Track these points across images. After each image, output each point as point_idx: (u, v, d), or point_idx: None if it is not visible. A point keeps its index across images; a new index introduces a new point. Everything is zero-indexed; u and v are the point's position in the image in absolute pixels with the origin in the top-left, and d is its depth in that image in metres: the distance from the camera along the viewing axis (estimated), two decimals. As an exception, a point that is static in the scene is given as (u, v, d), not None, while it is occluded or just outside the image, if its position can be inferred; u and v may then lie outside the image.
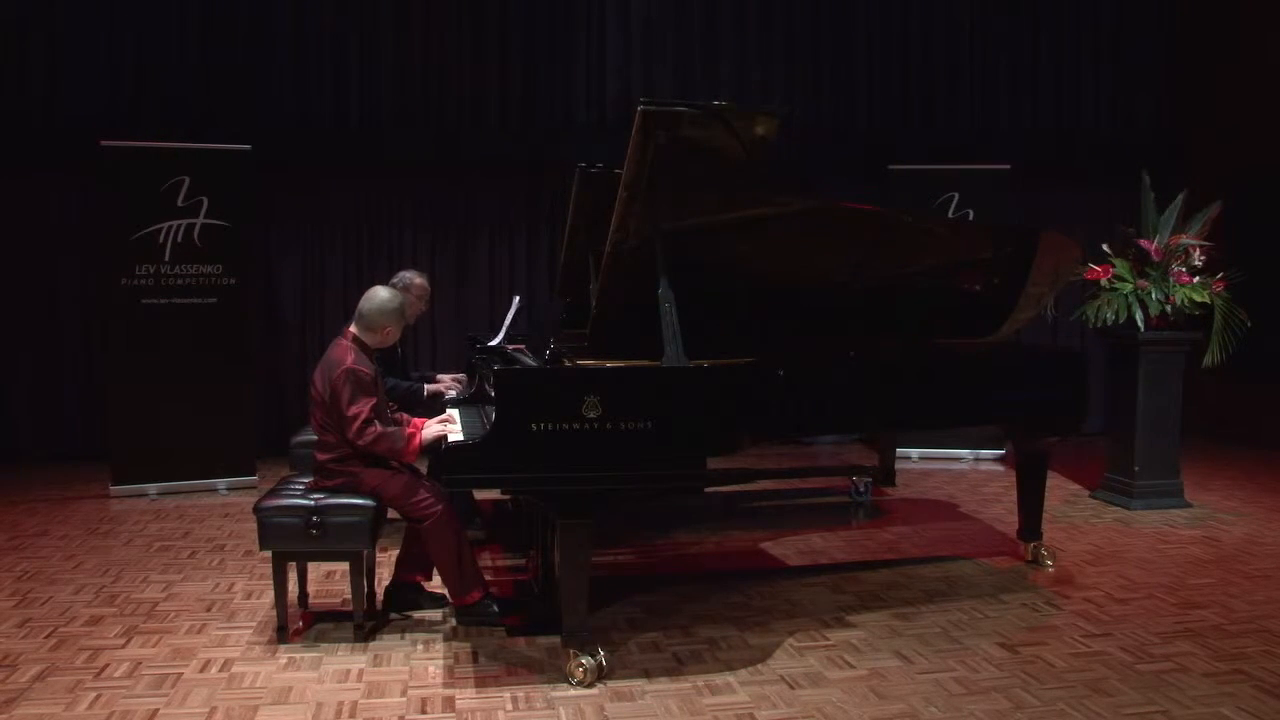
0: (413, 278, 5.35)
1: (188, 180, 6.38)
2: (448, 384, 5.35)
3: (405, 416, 4.31)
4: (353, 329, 4.08)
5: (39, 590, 4.57)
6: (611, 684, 3.56)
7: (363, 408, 3.86)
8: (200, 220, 6.44)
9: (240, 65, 7.55)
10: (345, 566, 4.25)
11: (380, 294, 4.11)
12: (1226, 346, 5.96)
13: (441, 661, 3.77)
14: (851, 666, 3.73)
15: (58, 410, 7.48)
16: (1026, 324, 5.15)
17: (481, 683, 3.58)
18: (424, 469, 4.47)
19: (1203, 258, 5.93)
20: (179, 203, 6.39)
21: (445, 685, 3.56)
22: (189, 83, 7.48)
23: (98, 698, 3.45)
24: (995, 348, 4.94)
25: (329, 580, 4.68)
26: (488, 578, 4.21)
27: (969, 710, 3.38)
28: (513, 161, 7.90)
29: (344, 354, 3.96)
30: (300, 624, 4.13)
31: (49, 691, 3.50)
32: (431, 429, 3.99)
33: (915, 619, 4.22)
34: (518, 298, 5.72)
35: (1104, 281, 5.99)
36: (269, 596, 4.21)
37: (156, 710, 3.36)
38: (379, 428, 3.90)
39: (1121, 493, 6.14)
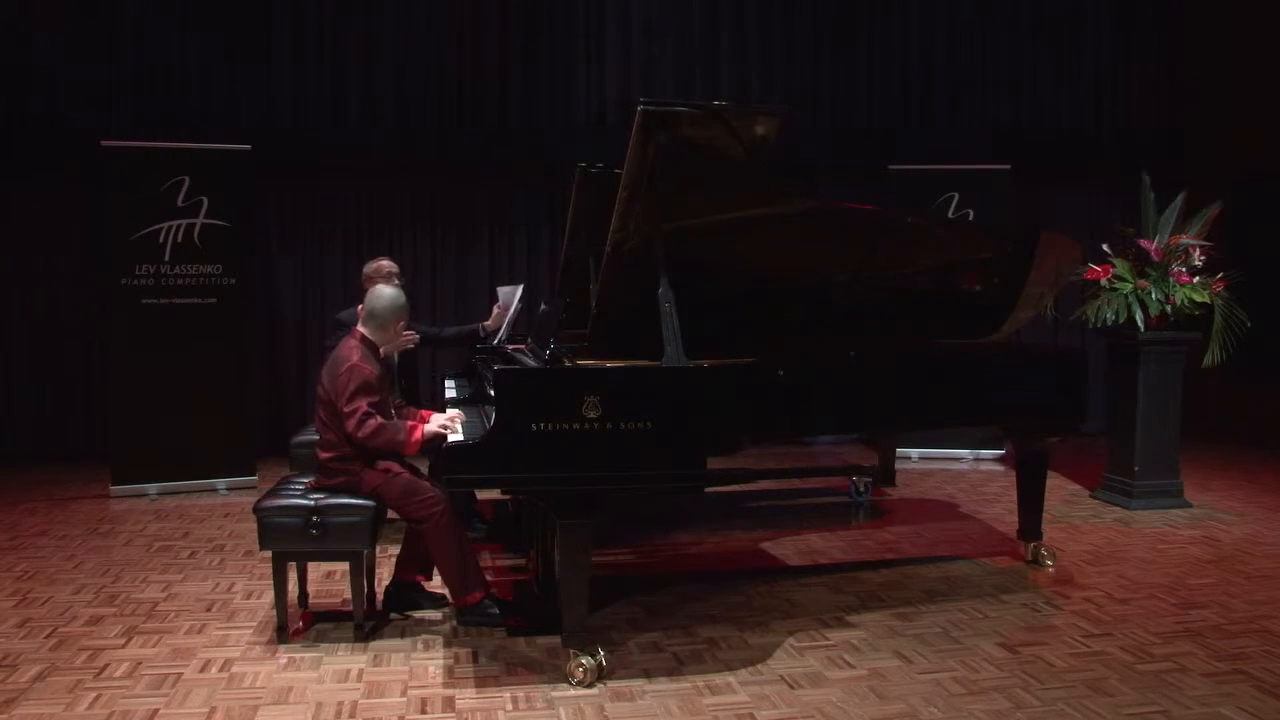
0: (377, 262, 5.34)
1: (188, 180, 6.38)
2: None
3: (411, 410, 4.31)
4: (361, 329, 4.08)
5: (39, 590, 4.57)
6: (611, 684, 3.56)
7: (361, 403, 3.86)
8: (200, 220, 6.44)
9: (240, 66, 7.55)
10: (345, 566, 4.25)
11: (387, 291, 4.15)
12: (1226, 346, 5.96)
13: (441, 661, 3.77)
14: (851, 666, 3.73)
15: (58, 410, 7.49)
16: (1026, 324, 5.15)
17: (481, 683, 3.58)
18: (424, 469, 4.47)
19: (1203, 258, 5.93)
20: (179, 203, 6.39)
21: (445, 685, 3.56)
22: (189, 83, 7.48)
23: (98, 698, 3.45)
24: (995, 348, 4.94)
25: (329, 580, 4.68)
26: (488, 578, 4.21)
27: (969, 710, 3.38)
28: (513, 161, 7.90)
29: (350, 352, 3.97)
30: (300, 624, 4.13)
31: (49, 691, 3.50)
32: (437, 421, 3.98)
33: (915, 619, 4.22)
34: (514, 288, 5.70)
35: (1104, 281, 5.99)
36: (269, 596, 4.21)
37: (156, 710, 3.36)
38: (379, 420, 3.90)
39: (1121, 493, 6.14)
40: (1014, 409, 4.74)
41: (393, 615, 4.24)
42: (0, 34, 7.22)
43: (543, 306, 5.15)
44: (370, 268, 5.32)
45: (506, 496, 5.42)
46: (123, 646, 3.90)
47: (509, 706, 3.40)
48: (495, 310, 5.57)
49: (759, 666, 3.72)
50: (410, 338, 5.19)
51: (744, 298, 4.31)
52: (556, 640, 3.75)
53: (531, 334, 5.24)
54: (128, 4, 7.38)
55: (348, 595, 4.14)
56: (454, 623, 4.11)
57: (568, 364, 3.82)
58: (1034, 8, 8.61)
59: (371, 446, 3.93)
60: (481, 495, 5.54)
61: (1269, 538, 5.47)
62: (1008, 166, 7.55)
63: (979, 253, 4.74)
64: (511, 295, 5.54)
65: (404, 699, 3.45)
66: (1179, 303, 5.88)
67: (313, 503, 3.91)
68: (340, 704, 3.41)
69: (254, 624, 4.14)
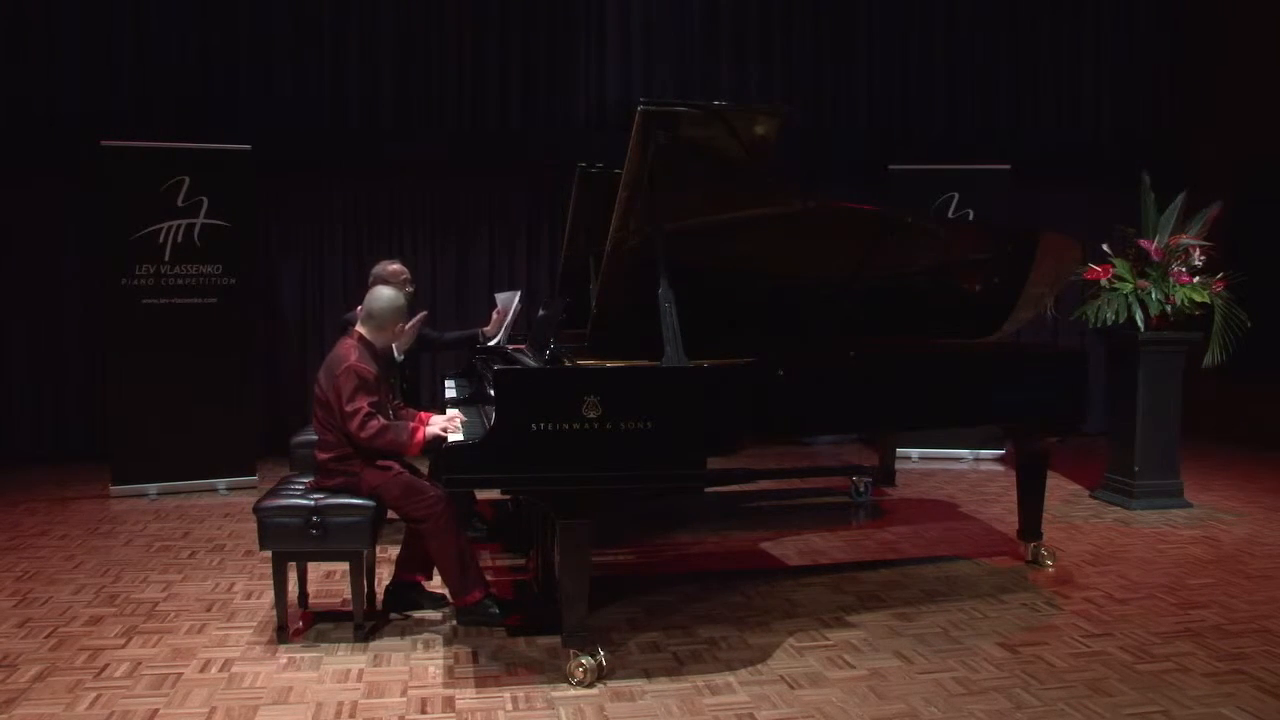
0: (387, 265, 5.29)
1: (188, 180, 6.38)
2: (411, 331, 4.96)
3: (410, 411, 4.31)
4: (360, 329, 4.08)
5: (39, 590, 4.57)
6: (611, 684, 3.56)
7: (362, 402, 3.86)
8: (200, 220, 6.44)
9: (240, 66, 7.56)
10: (345, 566, 4.25)
11: (386, 292, 4.15)
12: (1226, 346, 5.96)
13: (441, 661, 3.77)
14: (851, 666, 3.73)
15: (58, 410, 7.49)
16: (1026, 324, 5.14)
17: (481, 683, 3.58)
18: (424, 469, 4.47)
19: (1203, 258, 5.93)
20: (179, 203, 6.39)
21: (445, 685, 3.56)
22: (189, 83, 7.48)
23: (98, 698, 3.45)
24: (995, 348, 4.94)
25: (329, 580, 4.68)
26: (488, 578, 4.21)
27: (969, 710, 3.38)
28: (513, 161, 7.90)
29: (348, 352, 3.97)
30: (300, 624, 4.13)
31: (49, 691, 3.50)
32: (437, 424, 3.98)
33: (915, 619, 4.22)
34: (513, 294, 5.69)
35: (1104, 281, 5.99)
36: (269, 596, 4.21)
37: (156, 710, 3.36)
38: (382, 420, 3.90)
39: (1121, 493, 6.14)
40: (1014, 409, 4.73)
41: (393, 615, 4.24)
42: (0, 34, 7.22)
43: (541, 310, 5.15)
44: (386, 270, 5.25)
45: (506, 496, 5.42)
46: (123, 646, 3.90)
47: (509, 706, 3.40)
48: (494, 316, 5.55)
49: (759, 666, 3.72)
50: (414, 325, 5.02)
51: (744, 297, 4.31)
52: (556, 640, 3.75)
53: (531, 334, 5.24)
54: (127, 4, 7.38)
55: (348, 595, 4.13)
56: (454, 623, 4.11)
57: (568, 364, 3.82)
58: (1034, 8, 8.61)
59: (374, 447, 3.92)
60: (481, 495, 5.54)
61: (1269, 538, 5.47)
62: (1008, 166, 7.55)
63: (979, 253, 4.74)
64: (510, 300, 5.53)
65: (404, 699, 3.45)
66: (1179, 303, 5.88)
67: (313, 503, 3.91)
68: (340, 704, 3.41)
69: (254, 624, 4.14)
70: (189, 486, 6.47)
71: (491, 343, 5.47)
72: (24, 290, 7.41)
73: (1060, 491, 6.44)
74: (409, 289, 5.15)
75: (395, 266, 5.29)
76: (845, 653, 3.86)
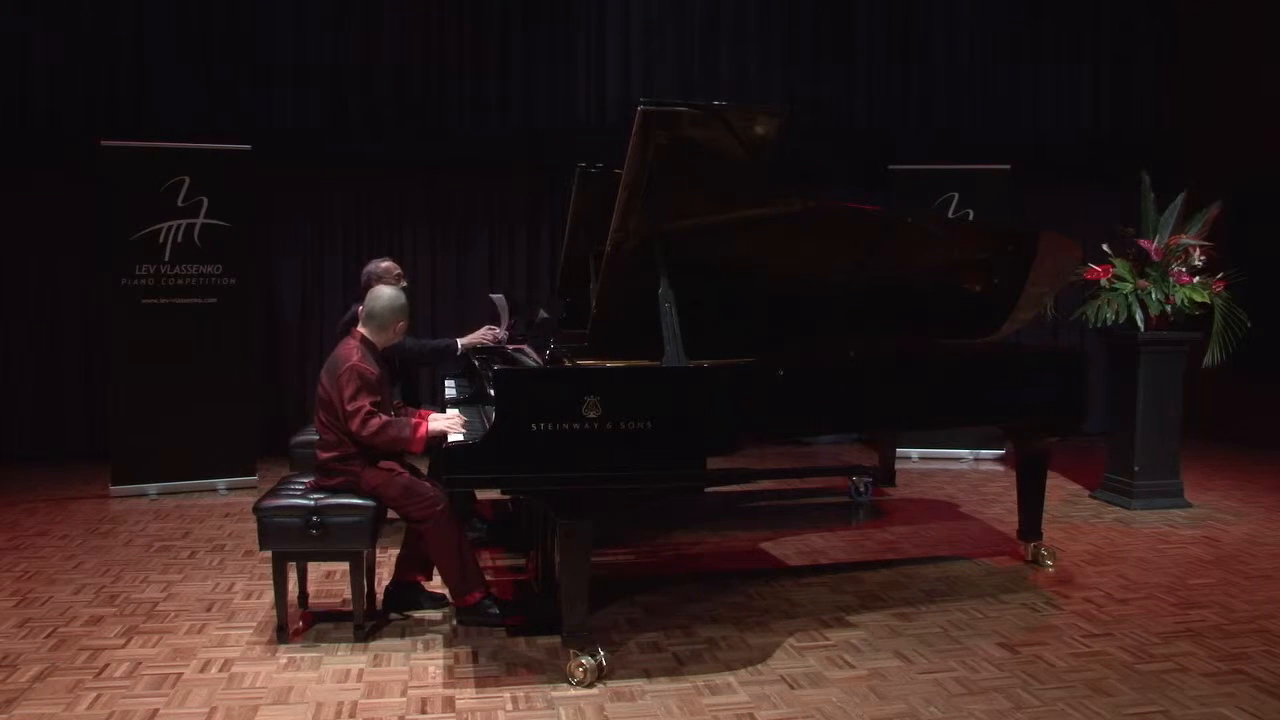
0: (379, 263, 5.30)
1: (188, 180, 6.38)
2: (483, 335, 5.22)
3: (410, 410, 4.31)
4: (362, 329, 4.09)
5: (39, 590, 4.57)
6: (611, 684, 3.56)
7: (364, 401, 3.87)
8: (200, 220, 6.45)
9: (240, 65, 7.56)
10: (345, 566, 4.25)
11: (387, 291, 4.15)
12: (1226, 346, 5.96)
13: (441, 661, 3.77)
14: (851, 666, 3.73)
15: (58, 410, 7.49)
16: (1026, 324, 5.15)
17: (481, 683, 3.58)
18: (423, 469, 4.47)
19: (1203, 258, 5.93)
20: (179, 203, 6.39)
21: (445, 685, 3.56)
22: (189, 83, 7.49)
23: (98, 698, 3.45)
24: (995, 348, 4.94)
25: (329, 580, 4.68)
26: (488, 578, 4.21)
27: (969, 710, 3.38)
28: (513, 161, 7.91)
29: (350, 352, 3.97)
30: (300, 624, 4.13)
31: (49, 691, 3.50)
32: (440, 421, 3.98)
33: (915, 619, 4.22)
34: (501, 295, 5.67)
35: (1104, 281, 5.99)
36: (269, 596, 4.21)
37: (156, 710, 3.36)
38: (384, 417, 3.90)
39: (1121, 493, 6.14)
40: (1014, 409, 4.74)
41: (393, 615, 4.24)
42: (0, 34, 7.23)
43: (541, 313, 5.15)
44: (379, 268, 5.24)
45: (506, 496, 5.42)
46: (123, 646, 3.90)
47: (509, 706, 3.40)
48: (483, 331, 5.48)
49: (759, 666, 3.72)
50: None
51: (744, 298, 4.31)
52: (556, 640, 3.75)
53: (531, 334, 5.24)
54: (128, 4, 7.38)
55: (348, 595, 4.14)
56: (454, 623, 4.11)
57: (568, 364, 3.82)
58: (1034, 7, 8.61)
59: (377, 444, 3.92)
60: (481, 495, 5.54)
61: (1269, 538, 5.47)
62: (1008, 166, 7.55)
63: (979, 253, 4.74)
64: (502, 303, 5.55)
65: (404, 699, 3.45)
66: (1179, 303, 5.88)
67: (313, 503, 3.91)
68: (340, 704, 3.41)
69: (254, 624, 4.14)
70: (189, 486, 6.47)
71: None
72: (24, 290, 7.42)
73: (1060, 491, 6.44)
74: (402, 284, 5.15)
75: (387, 264, 5.30)
76: (845, 653, 3.86)
